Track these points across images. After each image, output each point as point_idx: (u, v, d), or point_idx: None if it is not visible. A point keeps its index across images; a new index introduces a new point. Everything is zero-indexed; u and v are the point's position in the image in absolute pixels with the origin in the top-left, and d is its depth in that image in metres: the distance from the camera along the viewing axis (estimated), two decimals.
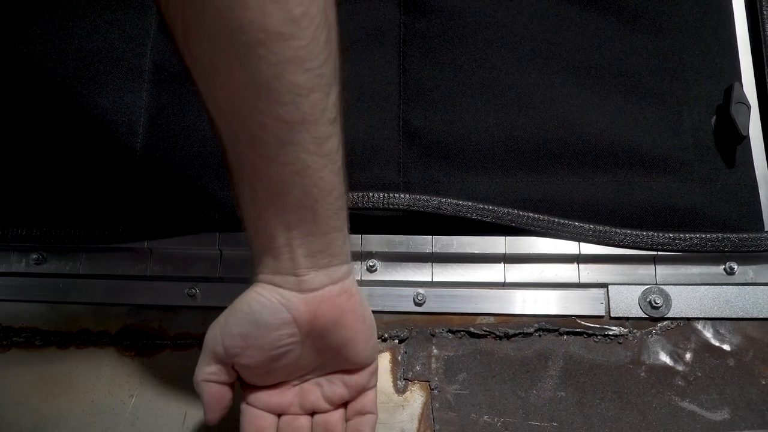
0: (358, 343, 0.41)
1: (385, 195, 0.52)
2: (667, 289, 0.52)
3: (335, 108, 0.36)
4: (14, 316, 0.55)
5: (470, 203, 0.53)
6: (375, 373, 0.43)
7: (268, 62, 0.32)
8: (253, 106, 0.34)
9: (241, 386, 0.42)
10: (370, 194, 0.53)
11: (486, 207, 0.53)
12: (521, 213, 0.52)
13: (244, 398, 0.42)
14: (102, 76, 0.60)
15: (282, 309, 0.38)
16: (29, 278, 0.56)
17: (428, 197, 0.53)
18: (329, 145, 0.36)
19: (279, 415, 0.42)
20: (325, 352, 0.41)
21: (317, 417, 0.42)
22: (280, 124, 0.34)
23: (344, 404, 0.43)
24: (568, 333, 0.52)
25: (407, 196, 0.53)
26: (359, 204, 0.52)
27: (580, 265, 0.53)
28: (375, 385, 0.43)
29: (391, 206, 0.53)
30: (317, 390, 0.42)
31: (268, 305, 0.38)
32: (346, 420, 0.42)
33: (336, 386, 0.42)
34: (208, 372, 0.40)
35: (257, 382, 0.41)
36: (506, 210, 0.52)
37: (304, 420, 0.42)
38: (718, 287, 0.52)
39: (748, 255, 0.52)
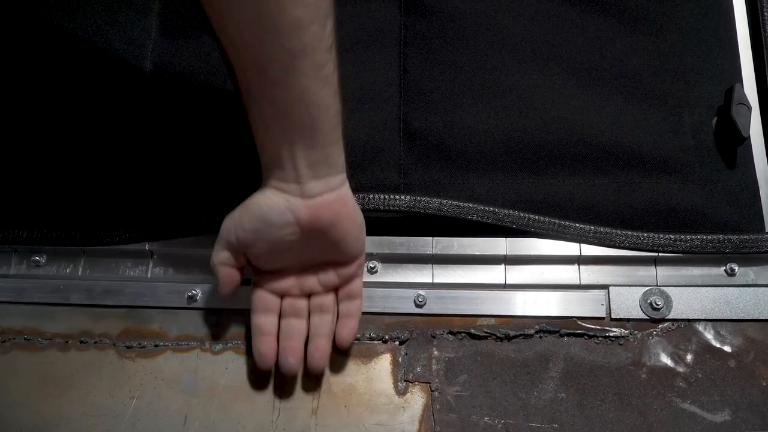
0: (350, 241, 0.48)
1: (386, 197, 0.53)
2: (668, 290, 0.52)
3: (331, 37, 0.41)
4: (15, 318, 0.55)
5: (471, 205, 0.53)
6: (362, 264, 0.51)
7: (273, 0, 0.38)
8: (260, 39, 0.39)
9: (252, 271, 0.50)
10: (371, 196, 0.53)
11: (487, 209, 0.53)
12: (522, 214, 0.52)
13: (254, 281, 0.50)
14: (102, 78, 0.60)
15: (287, 212, 0.45)
16: (30, 280, 0.56)
17: (429, 199, 0.53)
18: (326, 70, 0.42)
19: (282, 297, 0.50)
20: (321, 246, 0.48)
21: (313, 299, 0.51)
22: (284, 53, 0.40)
23: (335, 289, 0.51)
24: (568, 334, 0.52)
25: (408, 197, 0.53)
26: (360, 205, 0.52)
27: (580, 267, 0.53)
28: (361, 275, 0.51)
29: (391, 208, 0.53)
30: (314, 277, 0.50)
31: (275, 208, 0.45)
32: (338, 303, 0.51)
33: (329, 275, 0.50)
34: (223, 256, 0.48)
35: (264, 267, 0.49)
36: (507, 212, 0.52)
37: (303, 302, 0.50)
38: (719, 288, 0.52)
39: (749, 256, 0.52)
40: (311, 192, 0.45)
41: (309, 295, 0.51)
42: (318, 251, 0.48)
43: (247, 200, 0.47)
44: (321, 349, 0.49)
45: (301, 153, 0.44)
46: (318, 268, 0.50)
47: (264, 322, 0.49)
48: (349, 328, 0.50)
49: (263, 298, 0.50)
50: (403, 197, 0.53)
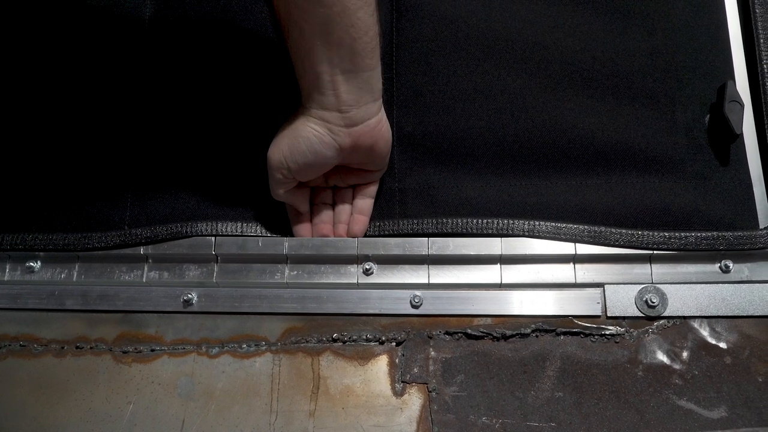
0: (380, 158, 0.53)
1: (380, 223, 0.55)
2: (663, 288, 0.52)
3: None
4: (10, 324, 0.55)
5: (468, 219, 0.53)
6: (383, 171, 0.55)
7: None
8: None
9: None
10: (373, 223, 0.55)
11: (483, 221, 0.53)
12: (518, 222, 0.53)
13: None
14: (95, 74, 0.60)
15: (334, 144, 0.49)
16: (24, 286, 0.56)
17: (428, 220, 0.54)
18: None
19: (312, 189, 0.56)
20: (354, 159, 0.52)
21: (337, 193, 0.56)
22: None
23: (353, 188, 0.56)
24: (565, 333, 0.52)
25: (405, 222, 0.54)
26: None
27: (576, 266, 0.53)
28: (378, 180, 0.56)
29: (393, 233, 0.54)
30: (339, 176, 0.55)
31: (324, 141, 0.49)
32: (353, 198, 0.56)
33: (352, 176, 0.55)
34: (283, 188, 0.52)
35: (301, 179, 0.52)
36: (503, 221, 0.53)
37: (329, 192, 0.56)
38: (713, 285, 0.52)
39: (743, 253, 0.52)
40: (353, 120, 0.48)
41: (333, 188, 0.56)
42: (350, 162, 0.53)
43: (290, 130, 0.49)
44: (341, 232, 0.55)
45: (342, 78, 0.47)
46: (344, 169, 0.54)
47: (301, 208, 0.54)
48: (361, 224, 0.55)
49: (298, 190, 0.53)
50: (403, 222, 0.54)
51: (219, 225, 0.55)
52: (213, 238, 0.54)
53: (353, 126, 0.49)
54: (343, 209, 0.56)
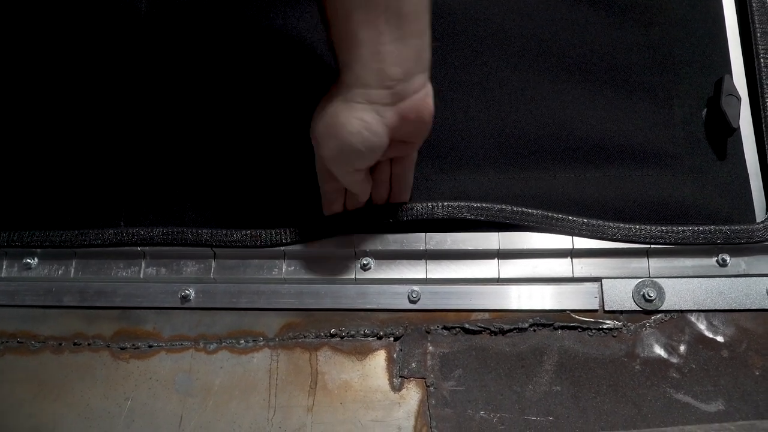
0: (424, 131, 0.47)
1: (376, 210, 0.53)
2: (661, 281, 0.52)
3: None
4: (7, 321, 0.55)
5: (463, 203, 0.53)
6: (420, 143, 0.49)
7: None
8: None
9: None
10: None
11: (479, 206, 0.53)
12: (515, 209, 0.52)
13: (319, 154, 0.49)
14: (91, 71, 0.59)
15: (384, 128, 0.43)
16: (22, 282, 0.56)
17: (422, 204, 0.53)
18: None
19: None
20: (397, 136, 0.46)
21: (375, 172, 0.51)
22: None
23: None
24: (562, 327, 0.52)
25: (401, 209, 0.53)
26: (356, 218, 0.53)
27: (573, 260, 0.53)
28: (415, 153, 0.51)
29: (390, 221, 0.53)
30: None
31: (374, 130, 0.43)
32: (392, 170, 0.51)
33: (390, 148, 0.47)
34: (333, 195, 0.50)
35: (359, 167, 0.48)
36: (500, 207, 0.53)
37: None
38: (711, 279, 0.52)
39: (741, 246, 0.52)
40: (401, 96, 0.43)
41: None
42: (392, 137, 0.47)
43: (334, 126, 0.43)
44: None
45: (388, 47, 0.41)
46: None
47: (330, 188, 0.51)
48: (402, 197, 0.52)
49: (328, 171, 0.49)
50: (397, 208, 0.53)
51: (218, 233, 0.54)
52: (211, 231, 0.54)
53: (400, 101, 0.43)
54: (383, 183, 0.52)
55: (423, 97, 0.44)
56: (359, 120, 0.43)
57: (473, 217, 0.52)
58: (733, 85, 0.55)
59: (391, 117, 0.43)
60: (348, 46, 0.41)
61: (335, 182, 0.49)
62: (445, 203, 0.52)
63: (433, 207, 0.52)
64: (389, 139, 0.45)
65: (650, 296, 0.51)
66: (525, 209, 0.52)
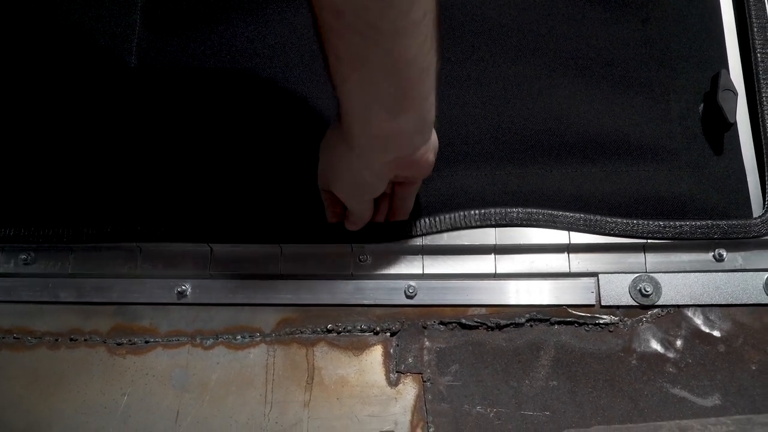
0: (426, 172, 0.48)
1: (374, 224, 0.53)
2: (657, 276, 0.52)
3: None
4: (4, 317, 0.55)
5: (461, 212, 0.53)
6: (426, 176, 0.49)
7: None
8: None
9: None
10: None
11: (475, 212, 0.52)
12: (511, 210, 0.53)
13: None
14: (86, 73, 0.59)
15: (386, 177, 0.45)
16: (18, 278, 0.56)
17: (419, 220, 0.53)
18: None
19: None
20: (400, 177, 0.48)
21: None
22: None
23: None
24: (559, 323, 0.52)
25: (399, 223, 0.53)
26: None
27: (570, 255, 0.53)
28: (419, 183, 0.51)
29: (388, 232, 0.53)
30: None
31: (382, 177, 0.45)
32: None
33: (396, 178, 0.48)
34: (337, 217, 0.51)
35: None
36: (496, 210, 0.53)
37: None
38: (707, 274, 0.52)
39: (737, 241, 0.52)
40: (400, 156, 0.43)
41: None
42: (395, 177, 0.48)
43: (342, 172, 0.45)
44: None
45: (388, 126, 0.39)
46: None
47: (332, 209, 0.51)
48: (401, 218, 0.53)
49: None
50: (396, 223, 0.53)
51: (214, 228, 0.54)
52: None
53: (401, 158, 0.44)
54: (384, 207, 0.53)
55: (423, 153, 0.45)
56: (360, 175, 0.44)
57: (472, 224, 0.53)
58: (730, 80, 0.55)
59: (398, 168, 0.45)
60: (349, 118, 0.40)
61: (339, 206, 0.51)
62: (446, 215, 0.53)
63: (431, 222, 0.53)
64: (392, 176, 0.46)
65: (647, 291, 0.51)
66: (522, 210, 0.53)
